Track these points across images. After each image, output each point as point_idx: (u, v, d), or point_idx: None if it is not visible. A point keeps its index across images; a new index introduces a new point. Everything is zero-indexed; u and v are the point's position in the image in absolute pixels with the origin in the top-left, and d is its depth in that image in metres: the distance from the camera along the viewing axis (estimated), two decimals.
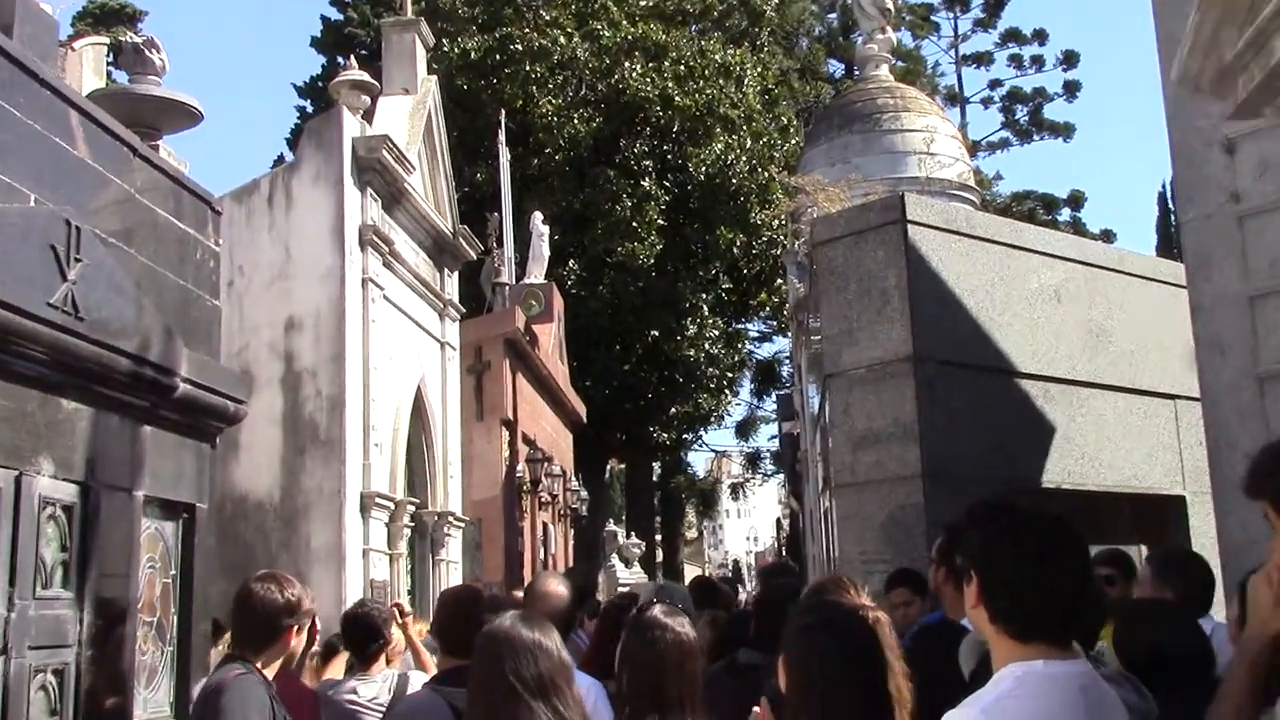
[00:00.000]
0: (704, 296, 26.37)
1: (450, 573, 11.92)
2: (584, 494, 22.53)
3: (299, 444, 9.46)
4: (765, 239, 27.25)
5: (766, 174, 25.90)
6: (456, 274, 13.14)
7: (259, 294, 9.73)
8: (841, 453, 6.27)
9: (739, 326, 31.06)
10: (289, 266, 9.72)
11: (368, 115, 10.60)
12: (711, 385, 27.88)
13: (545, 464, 17.68)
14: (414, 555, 11.39)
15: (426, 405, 11.82)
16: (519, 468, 16.98)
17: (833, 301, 6.47)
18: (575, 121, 25.19)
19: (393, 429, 10.65)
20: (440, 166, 12.51)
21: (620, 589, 18.11)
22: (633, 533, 27.20)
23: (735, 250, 26.81)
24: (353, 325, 9.77)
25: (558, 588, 3.92)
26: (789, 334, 25.27)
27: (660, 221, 25.55)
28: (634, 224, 24.99)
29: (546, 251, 21.25)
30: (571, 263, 25.04)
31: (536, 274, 21.00)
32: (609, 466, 36.40)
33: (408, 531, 10.69)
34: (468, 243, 12.97)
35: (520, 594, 4.93)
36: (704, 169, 26.09)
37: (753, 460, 34.09)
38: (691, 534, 60.36)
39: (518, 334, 16.68)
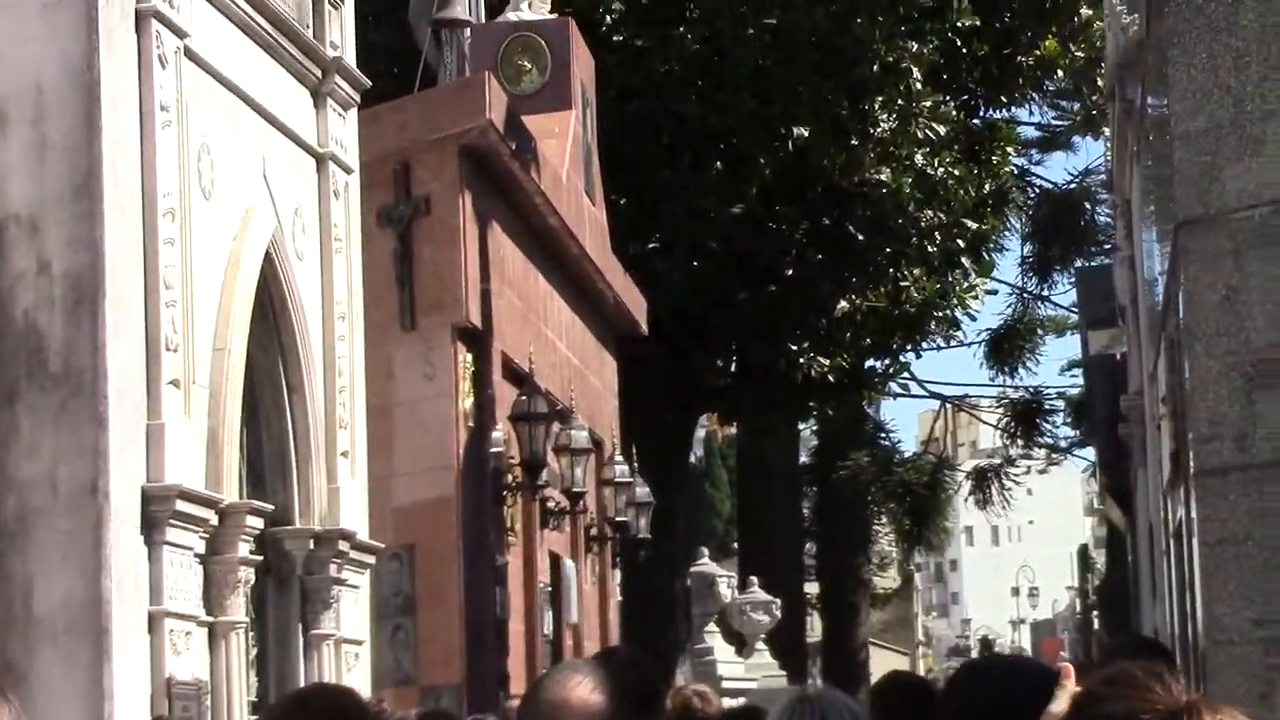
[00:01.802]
0: (913, 48, 26.17)
1: (345, 663, 12.17)
2: (643, 491, 22.65)
3: (2, 384, 9.63)
4: None
5: None
6: (350, 2, 13.24)
7: None
8: (1215, 395, 6.35)
9: (991, 115, 30.80)
10: None
11: None
12: (931, 246, 27.74)
13: (557, 426, 17.86)
14: (265, 625, 11.68)
15: (289, 297, 12.00)
16: (496, 434, 17.16)
17: (1196, 53, 6.53)
18: None
19: (213, 349, 10.83)
20: None
21: (727, 702, 18.25)
22: (754, 578, 27.41)
23: None
24: (117, 120, 9.87)
25: (588, 695, 4.16)
26: (1106, 134, 25.05)
27: None
28: None
29: None
30: None
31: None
32: (702, 429, 36.58)
33: (249, 574, 10.89)
34: None
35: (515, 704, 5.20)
36: None
37: (1024, 417, 34.08)
38: (887, 579, 60.86)
39: (492, 135, 16.74)
